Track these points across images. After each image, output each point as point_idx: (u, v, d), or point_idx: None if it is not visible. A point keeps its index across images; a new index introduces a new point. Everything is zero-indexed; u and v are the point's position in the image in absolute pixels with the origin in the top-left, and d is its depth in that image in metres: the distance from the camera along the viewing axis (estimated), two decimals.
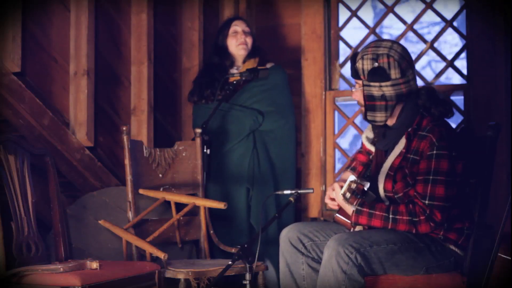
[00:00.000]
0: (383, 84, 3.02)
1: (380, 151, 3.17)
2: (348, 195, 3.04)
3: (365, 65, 3.04)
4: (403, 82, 3.03)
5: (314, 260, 3.14)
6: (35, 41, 3.64)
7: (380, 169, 3.11)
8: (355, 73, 3.09)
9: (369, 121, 3.13)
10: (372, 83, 3.04)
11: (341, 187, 3.07)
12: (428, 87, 3.13)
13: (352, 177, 3.07)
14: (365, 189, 3.03)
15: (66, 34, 3.82)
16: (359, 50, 3.11)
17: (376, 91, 3.05)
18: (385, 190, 3.07)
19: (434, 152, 2.96)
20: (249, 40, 4.31)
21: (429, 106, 3.06)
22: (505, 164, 4.05)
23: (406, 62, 3.02)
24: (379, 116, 3.09)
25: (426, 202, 2.94)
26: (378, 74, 3.01)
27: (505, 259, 2.84)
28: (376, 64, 3.01)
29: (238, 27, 4.31)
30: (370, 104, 3.08)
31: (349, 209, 3.05)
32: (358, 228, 3.10)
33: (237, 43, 4.28)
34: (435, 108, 3.05)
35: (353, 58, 3.09)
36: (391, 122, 3.13)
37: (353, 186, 3.04)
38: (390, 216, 2.98)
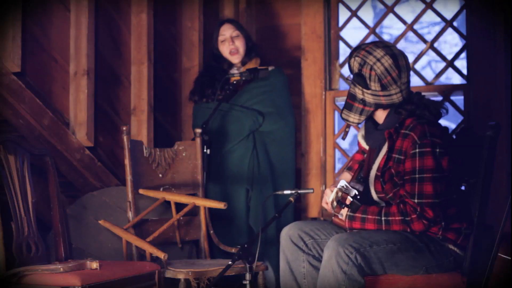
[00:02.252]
0: (364, 90, 3.04)
1: (372, 151, 3.18)
2: (334, 204, 3.06)
3: (354, 66, 3.06)
4: (383, 95, 3.03)
5: (315, 258, 3.14)
6: (35, 41, 3.64)
7: (370, 171, 3.12)
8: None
9: (342, 119, 3.15)
10: (357, 85, 3.05)
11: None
12: (415, 96, 3.11)
13: (342, 182, 3.08)
14: (351, 196, 3.05)
15: (66, 34, 3.82)
16: (360, 44, 3.11)
17: (359, 93, 3.07)
18: (376, 191, 3.08)
19: (417, 150, 2.97)
20: (239, 44, 4.29)
21: (415, 111, 3.06)
22: (505, 164, 4.05)
23: (390, 78, 2.99)
24: (352, 117, 3.11)
25: (416, 200, 2.95)
26: (360, 80, 3.03)
27: (505, 259, 2.84)
28: (360, 69, 3.02)
29: (225, 33, 4.29)
30: (349, 102, 3.11)
31: (342, 216, 3.08)
32: None
33: (228, 51, 4.28)
34: (421, 112, 3.05)
35: (351, 52, 3.10)
36: (379, 121, 3.14)
37: (339, 194, 3.05)
38: (383, 218, 2.99)
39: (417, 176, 2.96)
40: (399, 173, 3.01)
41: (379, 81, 2.99)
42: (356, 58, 3.04)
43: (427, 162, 2.96)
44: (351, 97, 3.10)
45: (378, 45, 3.04)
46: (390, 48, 3.03)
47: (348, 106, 3.12)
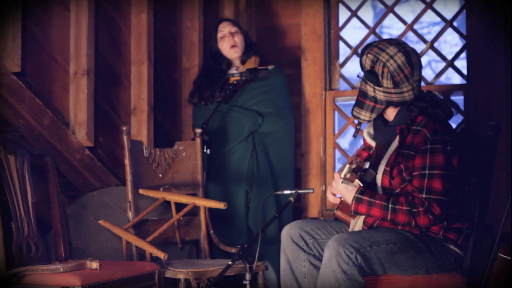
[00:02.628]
0: (376, 87, 3.04)
1: (380, 147, 3.17)
2: (348, 175, 3.04)
3: (366, 63, 3.06)
4: (394, 92, 3.03)
5: (316, 257, 3.14)
6: (35, 41, 3.64)
7: (378, 165, 3.11)
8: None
9: (353, 116, 3.15)
10: (368, 82, 3.06)
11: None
12: (427, 94, 3.11)
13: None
14: (366, 167, 3.03)
15: (66, 34, 3.82)
16: (372, 41, 3.11)
17: (370, 91, 3.07)
18: (383, 187, 3.07)
19: (428, 146, 2.96)
20: (238, 40, 4.29)
21: (427, 109, 3.06)
22: (505, 164, 4.05)
23: (403, 75, 3.00)
24: (363, 115, 3.11)
25: (424, 195, 2.94)
26: (372, 77, 3.03)
27: (505, 259, 2.84)
28: (373, 67, 3.02)
29: (224, 29, 4.30)
30: (360, 100, 3.11)
31: (349, 197, 3.04)
32: (358, 224, 3.10)
33: (228, 46, 4.27)
34: (433, 110, 3.05)
35: (363, 49, 3.10)
36: (389, 118, 3.14)
37: (353, 166, 3.05)
38: (390, 205, 2.96)
39: (427, 172, 2.95)
40: (408, 169, 3.00)
41: (392, 78, 3.00)
42: (369, 55, 3.04)
43: (438, 159, 2.95)
44: (362, 94, 3.10)
45: (391, 42, 3.05)
46: (402, 46, 3.04)
47: (359, 104, 3.12)
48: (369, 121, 3.13)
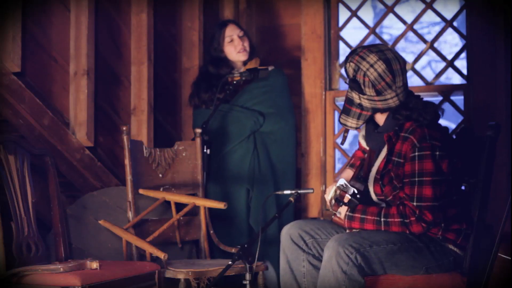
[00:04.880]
0: (360, 95, 3.04)
1: (372, 152, 3.18)
2: (333, 202, 3.08)
3: (349, 71, 3.07)
4: (378, 100, 3.03)
5: (315, 257, 3.15)
6: (35, 41, 3.64)
7: (369, 173, 3.12)
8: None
9: (340, 123, 3.16)
10: (353, 90, 3.06)
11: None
12: (412, 99, 3.07)
13: (341, 181, 3.09)
14: (349, 194, 3.05)
15: (66, 34, 3.82)
16: (356, 48, 3.10)
17: (356, 98, 3.08)
18: (375, 194, 3.09)
19: (416, 153, 2.96)
20: (246, 44, 4.26)
21: (411, 115, 3.04)
22: (505, 164, 4.05)
23: (385, 83, 2.98)
24: (350, 122, 3.12)
25: (415, 203, 2.95)
26: (355, 85, 3.03)
27: (505, 259, 2.84)
28: (355, 75, 3.02)
29: (232, 33, 4.25)
30: (347, 107, 3.12)
31: (341, 214, 3.09)
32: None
33: (237, 51, 4.24)
34: (417, 116, 3.03)
35: (347, 56, 3.10)
36: (379, 123, 3.14)
37: (338, 192, 3.07)
38: (382, 219, 2.99)
39: (416, 179, 2.96)
40: (399, 176, 3.01)
41: (373, 87, 2.99)
42: (351, 63, 3.04)
43: (426, 166, 2.95)
44: (349, 101, 3.11)
45: (371, 50, 3.02)
46: (383, 53, 3.00)
47: (346, 111, 3.12)
48: (356, 128, 3.13)
